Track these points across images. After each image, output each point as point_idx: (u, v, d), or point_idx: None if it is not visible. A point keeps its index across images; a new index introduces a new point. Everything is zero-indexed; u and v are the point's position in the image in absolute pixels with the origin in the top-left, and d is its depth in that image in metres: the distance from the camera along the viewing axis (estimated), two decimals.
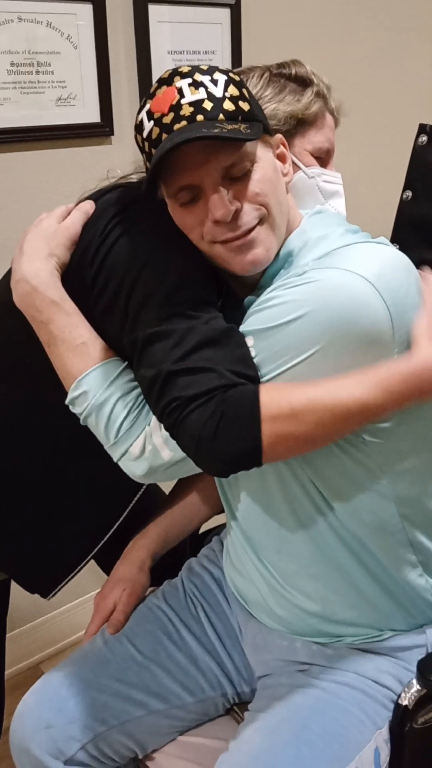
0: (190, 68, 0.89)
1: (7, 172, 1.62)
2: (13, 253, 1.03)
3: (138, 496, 1.17)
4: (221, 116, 0.87)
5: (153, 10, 1.69)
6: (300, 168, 1.08)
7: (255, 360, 0.88)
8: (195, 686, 1.13)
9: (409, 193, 1.46)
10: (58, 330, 0.95)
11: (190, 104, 0.86)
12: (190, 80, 0.87)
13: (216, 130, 0.84)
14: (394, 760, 0.99)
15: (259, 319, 0.89)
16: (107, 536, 1.17)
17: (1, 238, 1.64)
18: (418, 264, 0.96)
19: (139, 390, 0.94)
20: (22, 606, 1.92)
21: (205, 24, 1.79)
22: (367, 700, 0.99)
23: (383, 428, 0.92)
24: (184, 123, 0.86)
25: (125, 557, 1.23)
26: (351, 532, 0.98)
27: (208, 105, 0.86)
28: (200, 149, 0.87)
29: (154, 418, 0.92)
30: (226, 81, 0.89)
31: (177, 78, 0.88)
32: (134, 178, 1.06)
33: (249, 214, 0.89)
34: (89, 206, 1.00)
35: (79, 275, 0.96)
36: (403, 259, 0.91)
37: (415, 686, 0.99)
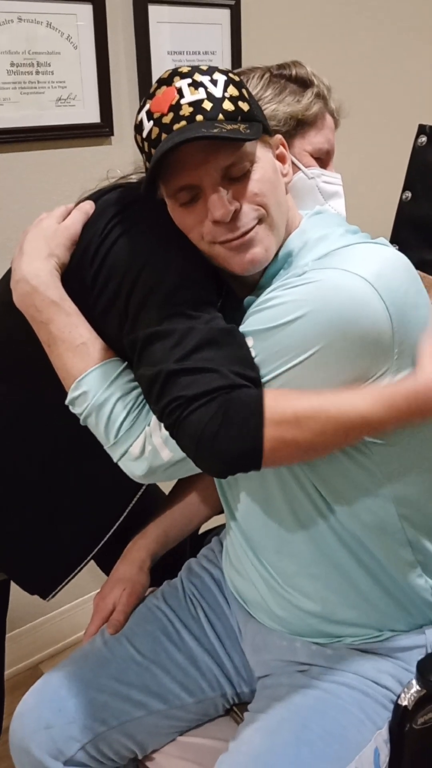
0: (189, 68, 0.89)
1: (7, 172, 1.62)
2: (13, 253, 1.03)
3: (138, 496, 1.17)
4: (221, 116, 0.87)
5: (153, 10, 1.69)
6: (300, 169, 1.08)
7: (255, 360, 0.88)
8: (194, 686, 1.13)
9: (408, 194, 1.46)
10: (58, 330, 0.95)
11: (190, 104, 0.86)
12: (189, 80, 0.87)
13: (215, 130, 0.84)
14: (394, 761, 0.99)
15: (258, 320, 0.89)
16: (107, 536, 1.17)
17: (1, 238, 1.64)
18: (418, 264, 0.97)
19: (139, 390, 0.94)
20: (22, 606, 1.92)
21: (205, 24, 1.79)
22: (366, 700, 0.99)
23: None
24: (183, 123, 0.86)
25: (125, 557, 1.23)
26: (350, 533, 0.98)
27: (207, 105, 0.86)
28: (200, 149, 0.87)
29: (153, 419, 0.92)
30: (225, 81, 0.89)
31: (177, 78, 0.88)
32: (134, 178, 1.07)
33: (248, 215, 0.89)
34: (89, 206, 1.00)
35: (79, 275, 0.96)
36: (403, 259, 0.91)
37: (415, 687, 0.99)
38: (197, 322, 0.87)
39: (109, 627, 1.17)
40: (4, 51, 1.52)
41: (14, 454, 1.10)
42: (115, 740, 1.10)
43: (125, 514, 1.17)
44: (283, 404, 0.84)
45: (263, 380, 0.88)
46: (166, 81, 0.89)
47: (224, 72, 0.90)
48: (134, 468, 0.93)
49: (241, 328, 0.90)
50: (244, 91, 0.91)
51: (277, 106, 1.05)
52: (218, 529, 1.36)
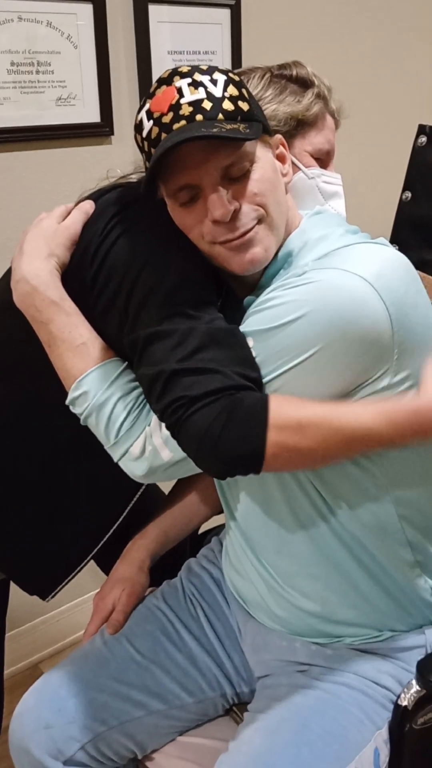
0: (189, 68, 0.89)
1: (7, 172, 1.62)
2: (13, 252, 1.03)
3: (137, 496, 1.17)
4: (220, 116, 0.87)
5: (153, 10, 1.69)
6: (300, 169, 1.08)
7: (255, 361, 0.88)
8: (194, 686, 1.13)
9: (408, 194, 1.46)
10: (58, 330, 0.95)
11: (190, 104, 0.86)
12: (189, 80, 0.87)
13: (215, 130, 0.84)
14: (394, 761, 0.99)
15: (258, 320, 0.89)
16: (107, 536, 1.17)
17: (1, 238, 1.64)
18: (418, 264, 0.97)
19: (139, 390, 0.94)
20: (22, 606, 1.92)
21: (205, 24, 1.79)
22: (366, 700, 0.99)
23: None
24: (183, 122, 0.86)
25: (124, 557, 1.23)
26: (350, 533, 0.98)
27: (207, 105, 0.86)
28: (199, 149, 0.87)
29: (154, 419, 0.92)
30: (225, 81, 0.89)
31: (176, 78, 0.88)
32: (134, 177, 1.06)
33: (248, 215, 0.89)
34: (89, 206, 1.00)
35: (79, 275, 0.96)
36: (403, 259, 0.91)
37: (415, 687, 0.99)
38: (198, 322, 0.87)
39: (109, 627, 1.17)
40: (4, 50, 1.52)
41: (14, 454, 1.10)
42: (115, 740, 1.10)
43: (125, 513, 1.17)
44: (287, 410, 0.84)
45: (264, 380, 0.88)
46: (166, 80, 0.89)
47: (224, 72, 0.90)
48: (134, 468, 0.93)
49: (241, 329, 0.90)
50: (243, 90, 0.91)
51: (277, 106, 1.05)
52: (218, 529, 1.36)
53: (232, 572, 1.14)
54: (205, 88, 0.87)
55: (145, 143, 0.90)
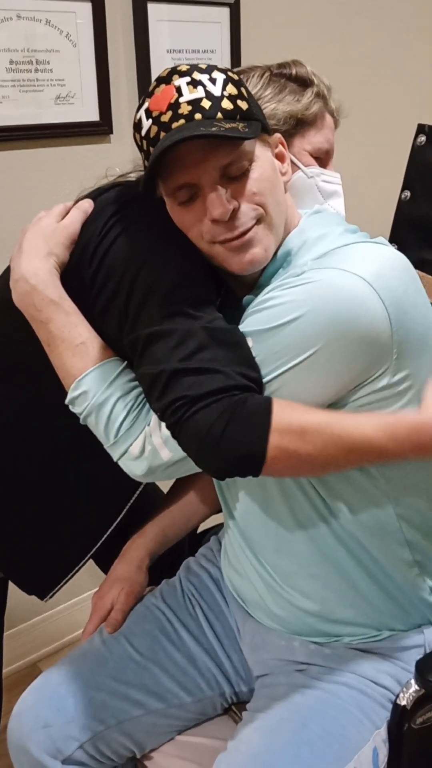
0: (188, 67, 0.89)
1: (6, 171, 1.62)
2: (12, 251, 1.03)
3: (136, 495, 1.17)
4: (219, 115, 0.86)
5: (152, 8, 1.69)
6: (299, 168, 1.08)
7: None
8: (193, 686, 1.13)
9: (407, 193, 1.46)
10: (58, 329, 0.95)
11: (189, 103, 0.86)
12: (188, 79, 0.87)
13: (214, 129, 0.84)
14: (393, 760, 0.99)
15: (257, 320, 0.89)
16: (105, 536, 1.17)
17: (0, 236, 1.63)
18: (417, 264, 0.96)
19: (138, 390, 0.94)
20: (21, 604, 1.92)
21: (205, 23, 1.79)
22: (365, 699, 0.99)
23: None
24: (182, 121, 0.86)
25: (123, 556, 1.23)
26: (349, 533, 0.98)
27: (206, 104, 0.86)
28: (198, 148, 0.87)
29: (153, 418, 0.92)
30: (224, 80, 0.89)
31: (175, 76, 0.88)
32: (133, 176, 1.06)
33: (246, 214, 0.89)
34: (88, 205, 1.00)
35: (78, 274, 0.96)
36: (402, 258, 0.91)
37: (414, 686, 0.99)
38: (198, 322, 0.87)
39: (108, 626, 1.17)
40: (3, 49, 1.52)
41: (14, 454, 1.10)
42: (114, 739, 1.10)
43: (124, 513, 1.17)
44: (290, 414, 0.84)
45: (263, 381, 0.88)
46: (165, 79, 0.88)
47: (223, 70, 0.90)
48: (134, 467, 0.93)
49: (240, 329, 0.90)
50: (243, 89, 0.91)
51: (276, 105, 1.05)
52: (217, 528, 1.36)
53: (231, 571, 1.14)
54: (204, 87, 0.87)
55: (144, 142, 0.89)
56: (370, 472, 0.95)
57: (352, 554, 1.00)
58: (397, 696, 1.00)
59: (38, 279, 0.96)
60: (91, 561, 1.25)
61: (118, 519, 1.17)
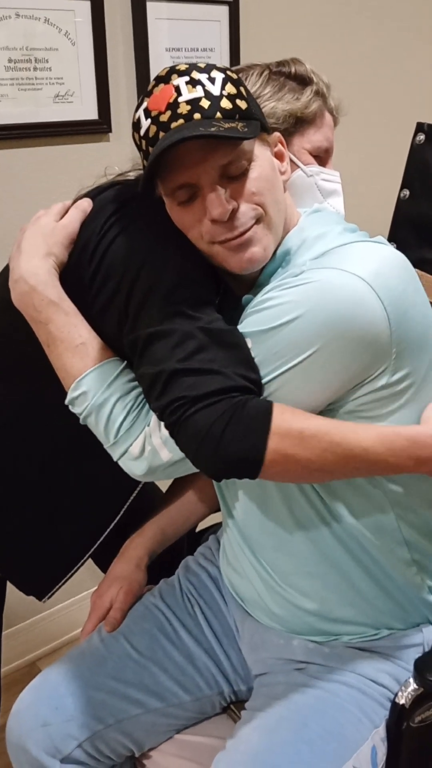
0: (187, 66, 0.88)
1: (5, 170, 1.61)
2: (11, 250, 1.03)
3: (135, 494, 1.17)
4: (218, 114, 0.86)
5: (151, 7, 1.69)
6: (298, 166, 1.07)
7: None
8: (192, 684, 1.13)
9: (406, 192, 1.46)
10: (57, 330, 0.95)
11: (188, 102, 0.86)
12: (187, 78, 0.87)
13: (213, 129, 0.84)
14: (391, 759, 0.99)
15: (256, 321, 0.89)
16: (104, 535, 1.17)
17: None
18: (417, 263, 0.96)
19: (138, 390, 0.94)
20: (19, 603, 1.92)
21: (204, 21, 1.79)
22: (364, 698, 0.99)
23: None
24: (181, 121, 0.86)
25: (122, 555, 1.23)
26: (348, 532, 0.98)
27: (205, 103, 0.86)
28: (197, 148, 0.87)
29: (153, 419, 0.92)
30: (223, 79, 0.88)
31: (174, 76, 0.88)
32: (132, 175, 1.06)
33: (246, 214, 0.89)
34: (87, 204, 1.00)
35: (78, 274, 0.96)
36: (401, 258, 0.91)
37: (412, 685, 0.99)
38: (198, 322, 0.87)
39: (106, 625, 1.17)
40: (1, 47, 1.52)
41: (14, 454, 1.10)
42: (113, 738, 1.10)
43: (122, 512, 1.17)
44: (290, 419, 0.84)
45: (263, 381, 0.88)
46: (164, 78, 0.88)
47: (222, 69, 0.90)
48: (134, 467, 0.93)
49: (239, 330, 0.90)
50: (242, 88, 0.91)
51: (276, 103, 1.04)
52: (215, 527, 1.36)
53: (230, 570, 1.14)
54: (203, 86, 0.87)
55: (143, 142, 0.89)
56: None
57: (351, 553, 1.00)
58: (396, 695, 1.00)
59: (37, 279, 0.95)
60: (90, 560, 1.25)
61: (117, 518, 1.17)
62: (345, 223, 0.98)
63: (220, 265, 0.93)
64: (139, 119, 0.89)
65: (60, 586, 1.21)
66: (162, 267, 0.90)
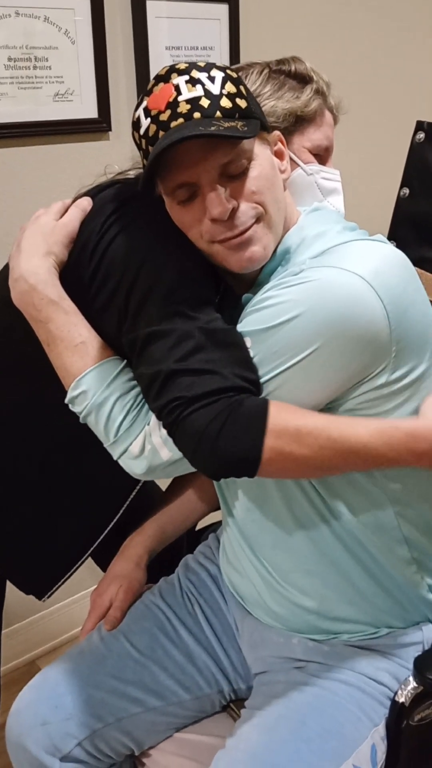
0: (187, 65, 0.88)
1: (4, 168, 1.61)
2: (10, 249, 1.03)
3: (135, 492, 1.17)
4: (218, 114, 0.86)
5: (151, 5, 1.69)
6: (298, 165, 1.07)
7: (254, 361, 0.88)
8: (191, 683, 1.13)
9: (406, 191, 1.46)
10: (57, 329, 0.95)
11: (187, 101, 0.86)
12: (187, 77, 0.87)
13: (213, 128, 0.84)
14: (391, 757, 1.00)
15: (255, 320, 0.89)
16: (103, 535, 1.17)
17: None
18: (416, 261, 0.96)
19: (138, 389, 0.94)
20: (19, 602, 1.92)
21: (204, 20, 1.79)
22: (364, 697, 0.99)
23: None
24: (181, 120, 0.86)
25: (122, 554, 1.23)
26: (347, 530, 0.98)
27: (205, 102, 0.86)
28: (197, 147, 0.87)
29: (153, 418, 0.92)
30: (223, 78, 0.88)
31: (174, 75, 0.88)
32: (132, 174, 1.06)
33: (246, 213, 0.89)
34: (87, 203, 1.00)
35: (77, 273, 0.96)
36: (401, 256, 0.91)
37: (412, 683, 0.99)
38: (197, 323, 0.87)
39: (106, 623, 1.17)
40: (1, 46, 1.52)
41: (14, 453, 1.10)
42: (112, 737, 1.10)
43: (122, 511, 1.17)
44: (286, 417, 0.84)
45: (262, 380, 0.88)
46: (164, 78, 0.88)
47: (222, 68, 0.90)
48: (134, 466, 0.93)
49: (239, 329, 0.90)
50: (241, 87, 0.91)
51: (276, 102, 1.04)
52: (215, 526, 1.36)
53: (230, 569, 1.14)
54: (203, 85, 0.87)
55: (143, 141, 0.89)
56: (369, 472, 0.95)
57: (350, 552, 1.00)
58: (396, 693, 1.00)
59: (37, 278, 0.95)
60: (89, 559, 1.25)
61: (117, 517, 1.17)
62: (344, 221, 0.98)
63: (220, 264, 0.93)
64: (138, 118, 0.89)
65: (60, 586, 1.21)
66: (162, 266, 0.90)
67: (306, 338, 0.84)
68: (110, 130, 1.72)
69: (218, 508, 1.20)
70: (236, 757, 0.96)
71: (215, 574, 1.22)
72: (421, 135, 1.42)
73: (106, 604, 1.19)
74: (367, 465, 0.88)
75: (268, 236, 0.91)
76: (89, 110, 1.68)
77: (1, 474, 1.11)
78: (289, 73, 1.07)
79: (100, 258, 0.93)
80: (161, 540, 1.25)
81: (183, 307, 0.88)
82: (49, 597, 1.21)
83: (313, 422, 0.85)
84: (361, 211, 1.44)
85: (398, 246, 0.94)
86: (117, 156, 1.71)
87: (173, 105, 0.86)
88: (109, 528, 1.17)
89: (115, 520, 1.17)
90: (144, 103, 0.89)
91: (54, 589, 1.21)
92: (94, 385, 0.93)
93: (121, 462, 0.95)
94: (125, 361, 0.95)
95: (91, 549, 1.18)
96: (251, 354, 0.88)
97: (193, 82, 0.87)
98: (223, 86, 0.88)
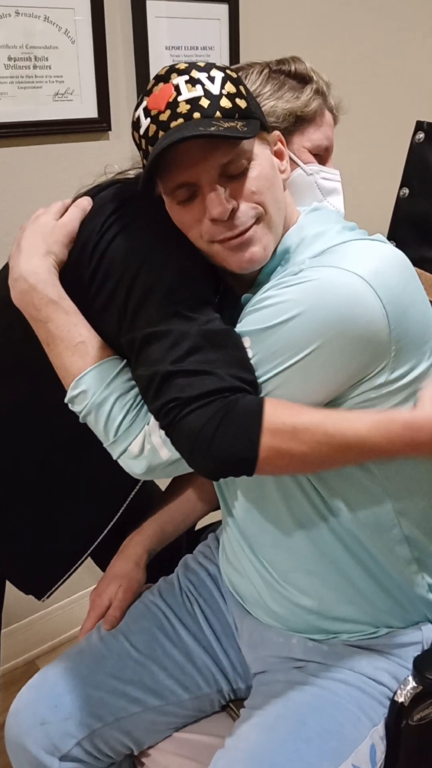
0: (187, 65, 0.88)
1: (4, 168, 1.61)
2: (10, 249, 1.03)
3: (134, 492, 1.17)
4: (218, 114, 0.86)
5: (151, 5, 1.69)
6: (298, 165, 1.07)
7: (252, 361, 0.88)
8: (191, 682, 1.13)
9: (406, 190, 1.46)
10: (57, 329, 0.95)
11: (187, 101, 0.86)
12: (187, 77, 0.87)
13: (212, 128, 0.84)
14: (390, 757, 1.00)
15: (255, 320, 0.89)
16: (103, 535, 1.17)
17: None
18: (416, 261, 0.96)
19: (137, 389, 0.94)
20: (18, 602, 1.92)
21: (203, 20, 1.79)
22: (363, 696, 0.99)
23: None
24: (180, 120, 0.86)
25: (121, 553, 1.24)
26: (347, 530, 0.99)
27: (204, 102, 0.86)
28: (197, 147, 0.87)
29: (152, 418, 0.92)
30: (223, 78, 0.88)
31: (174, 75, 0.88)
32: (131, 173, 1.06)
33: (246, 213, 0.89)
34: (86, 203, 1.00)
35: (77, 272, 0.96)
36: (400, 256, 0.91)
37: (411, 683, 0.99)
38: (195, 324, 0.87)
39: (105, 623, 1.17)
40: (1, 45, 1.52)
41: (14, 453, 1.10)
42: (111, 736, 1.10)
43: (121, 511, 1.17)
44: (282, 414, 0.84)
45: (261, 380, 0.88)
46: (164, 78, 0.88)
47: (222, 68, 0.90)
48: (134, 466, 0.93)
49: (238, 328, 0.90)
50: (241, 87, 0.91)
51: (275, 102, 1.04)
52: (215, 526, 1.36)
53: (229, 569, 1.14)
54: (203, 85, 0.87)
55: (143, 141, 0.89)
56: (368, 470, 0.96)
57: (350, 551, 1.00)
58: (395, 693, 1.00)
59: (37, 278, 0.95)
60: (89, 558, 1.25)
61: (116, 517, 1.17)
62: (344, 221, 0.98)
63: (219, 265, 0.93)
64: (138, 118, 0.89)
65: (59, 585, 1.21)
66: (161, 266, 0.90)
67: (305, 338, 0.84)
68: (110, 129, 1.72)
69: (218, 508, 1.20)
70: (235, 756, 0.96)
71: (215, 574, 1.22)
72: (421, 135, 1.42)
73: (105, 603, 1.19)
74: (365, 458, 0.88)
75: (268, 236, 0.92)
76: (89, 110, 1.68)
77: (1, 474, 1.11)
78: (289, 73, 1.07)
79: (100, 258, 0.93)
80: (161, 540, 1.25)
81: (182, 307, 0.88)
82: (48, 597, 1.21)
83: (309, 418, 0.85)
84: (361, 211, 1.44)
85: (398, 246, 0.94)
86: (117, 156, 1.71)
87: (173, 105, 0.86)
88: (108, 528, 1.17)
89: (114, 520, 1.17)
90: (144, 103, 0.89)
91: (53, 589, 1.21)
92: (94, 385, 0.93)
93: (120, 462, 0.95)
94: (125, 360, 0.96)
95: (91, 549, 1.18)
96: (250, 354, 0.88)
97: (192, 82, 0.87)
98: (222, 86, 0.88)
